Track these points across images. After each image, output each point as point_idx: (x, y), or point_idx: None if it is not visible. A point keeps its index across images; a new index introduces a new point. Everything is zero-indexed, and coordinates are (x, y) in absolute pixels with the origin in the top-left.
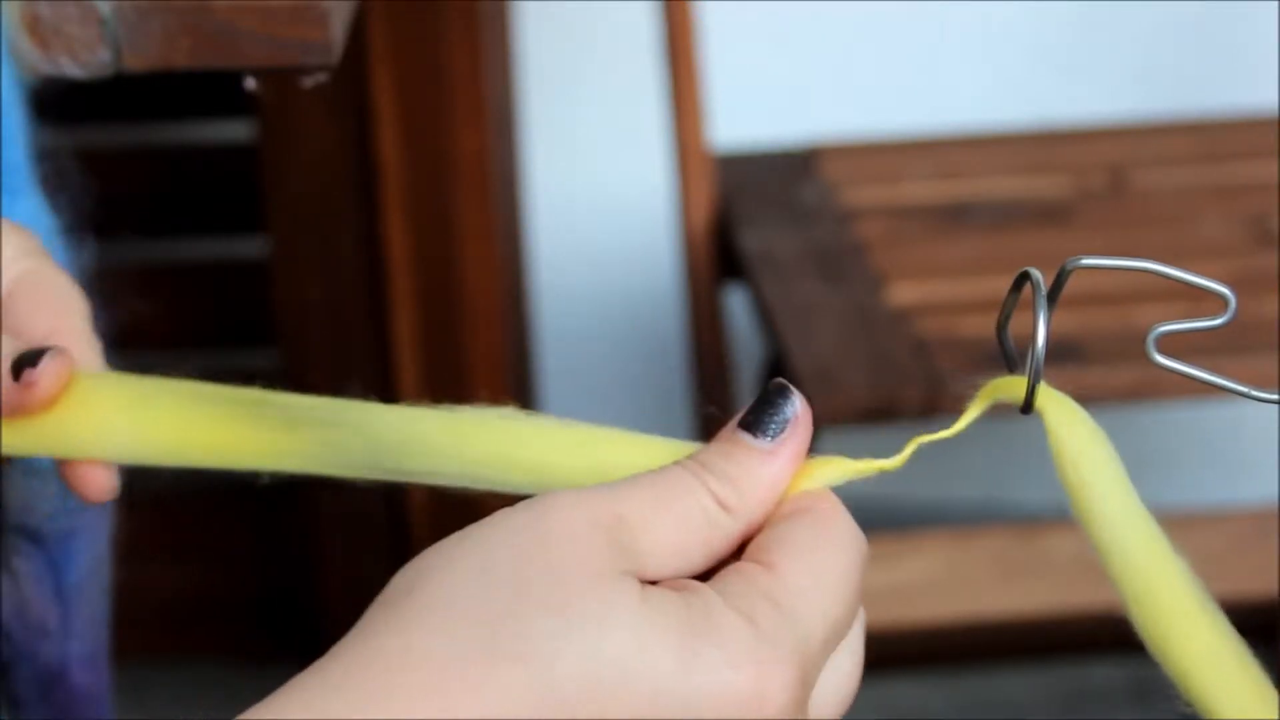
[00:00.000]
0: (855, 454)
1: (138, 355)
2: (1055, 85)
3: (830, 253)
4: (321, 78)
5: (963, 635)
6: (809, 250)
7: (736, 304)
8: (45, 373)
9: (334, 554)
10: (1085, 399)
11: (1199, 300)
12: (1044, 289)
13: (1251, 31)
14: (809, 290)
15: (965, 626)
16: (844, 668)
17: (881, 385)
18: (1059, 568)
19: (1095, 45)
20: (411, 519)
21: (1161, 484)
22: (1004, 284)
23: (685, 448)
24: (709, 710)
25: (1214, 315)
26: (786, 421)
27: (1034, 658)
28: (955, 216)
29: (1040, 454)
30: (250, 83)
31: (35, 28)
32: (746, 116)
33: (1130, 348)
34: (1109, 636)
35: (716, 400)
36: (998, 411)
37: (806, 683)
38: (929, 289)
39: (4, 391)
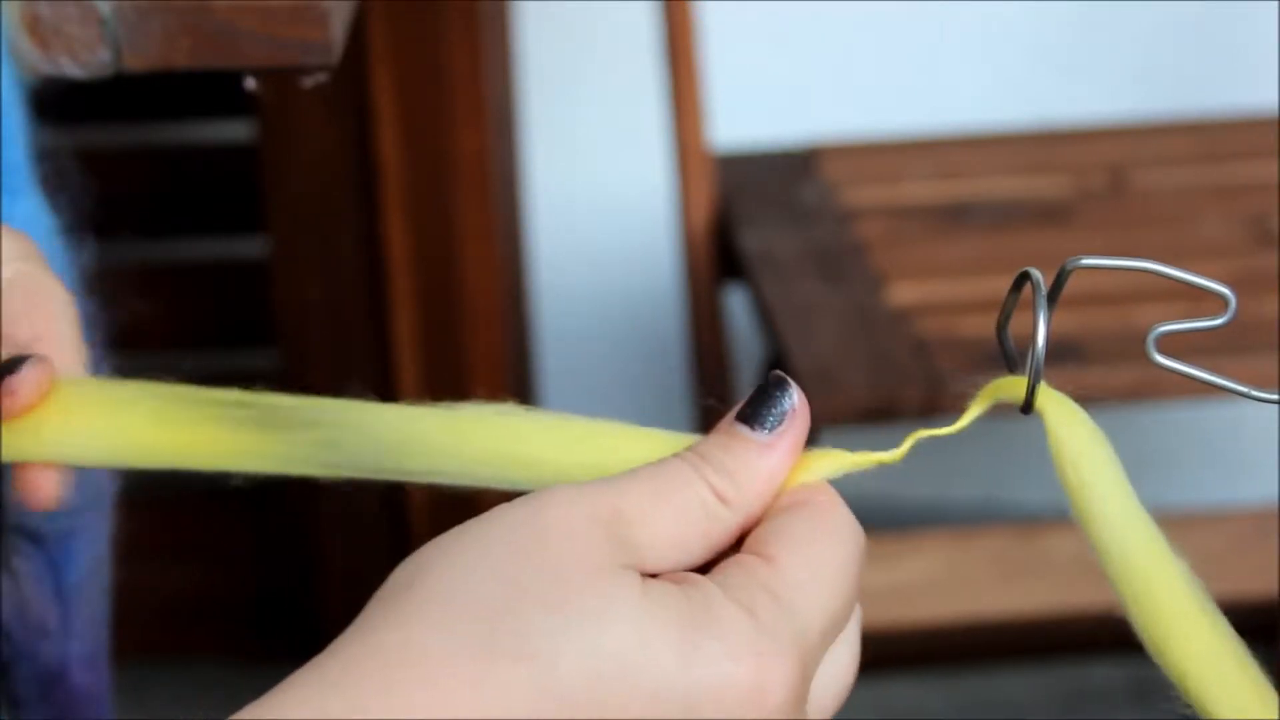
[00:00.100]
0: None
1: (138, 355)
2: (1055, 85)
3: (830, 253)
4: (321, 78)
5: (963, 635)
6: (809, 250)
7: (736, 304)
8: (25, 380)
9: (333, 554)
10: (1085, 399)
11: (1199, 300)
12: (1044, 289)
13: (1251, 31)
14: (809, 290)
15: (965, 626)
16: (842, 660)
17: (881, 385)
18: (1059, 568)
19: (1095, 45)
20: (411, 519)
21: (1161, 484)
22: (1004, 284)
23: (683, 440)
24: (710, 703)
25: (1214, 315)
26: (784, 414)
27: (1034, 658)
28: (955, 216)
29: (1040, 454)
30: (250, 83)
31: (35, 28)
32: (746, 116)
33: (1130, 348)
34: (1109, 636)
35: (717, 400)
36: (998, 411)
37: (806, 675)
38: (929, 289)
39: None
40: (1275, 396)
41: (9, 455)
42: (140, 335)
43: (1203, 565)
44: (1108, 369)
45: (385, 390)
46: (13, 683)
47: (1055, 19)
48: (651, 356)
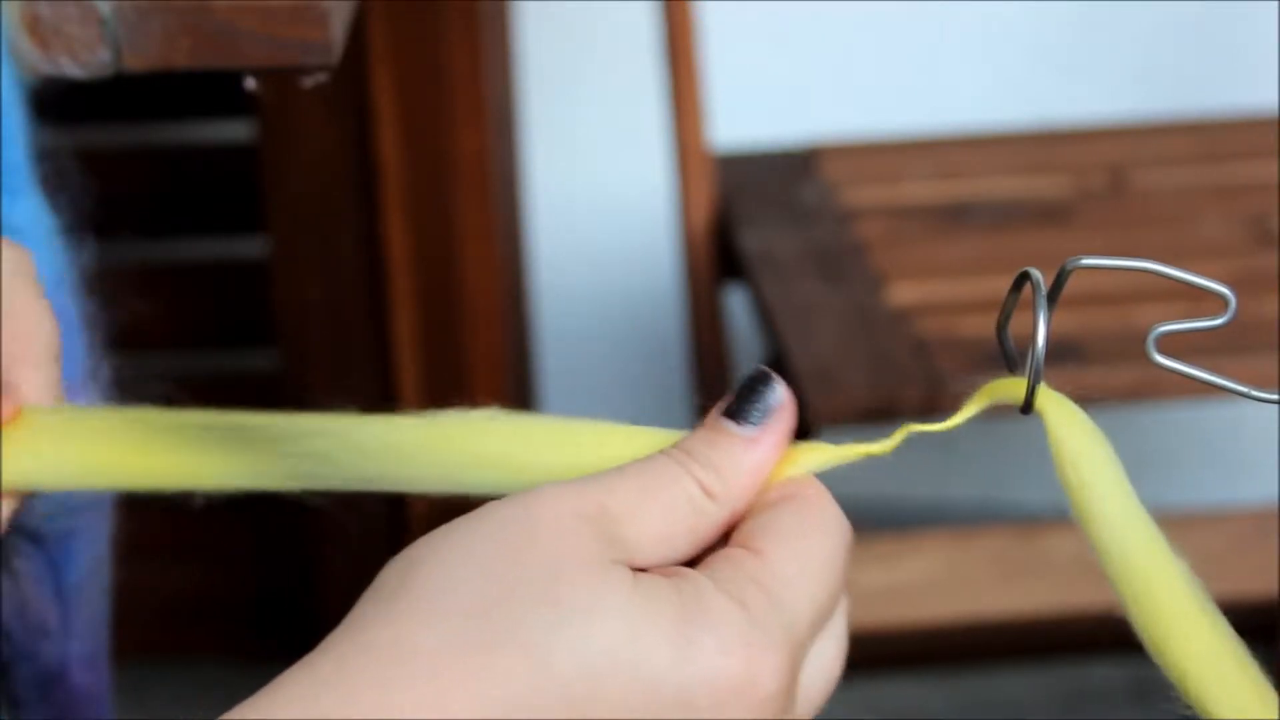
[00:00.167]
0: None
1: (138, 355)
2: (1055, 85)
3: (830, 253)
4: (321, 78)
5: (963, 635)
6: (809, 250)
7: (736, 304)
8: None
9: (334, 554)
10: (1085, 399)
11: (1199, 300)
12: (1044, 289)
13: (1251, 31)
14: (809, 290)
15: (965, 626)
16: (829, 652)
17: (881, 385)
18: (1059, 568)
19: (1095, 45)
20: (411, 518)
21: (1161, 484)
22: (1004, 284)
23: (669, 436)
24: (702, 696)
25: (1214, 315)
26: (769, 409)
27: (1034, 658)
28: (955, 216)
29: (1040, 454)
30: (250, 83)
31: (35, 28)
32: (746, 116)
33: (1130, 348)
34: (1109, 636)
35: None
36: (998, 411)
37: (795, 666)
38: (929, 289)
39: None
40: (1275, 396)
41: None
42: (140, 335)
43: (1203, 565)
44: (1108, 369)
45: (385, 391)
46: (13, 683)
47: (1055, 19)
48: (651, 356)
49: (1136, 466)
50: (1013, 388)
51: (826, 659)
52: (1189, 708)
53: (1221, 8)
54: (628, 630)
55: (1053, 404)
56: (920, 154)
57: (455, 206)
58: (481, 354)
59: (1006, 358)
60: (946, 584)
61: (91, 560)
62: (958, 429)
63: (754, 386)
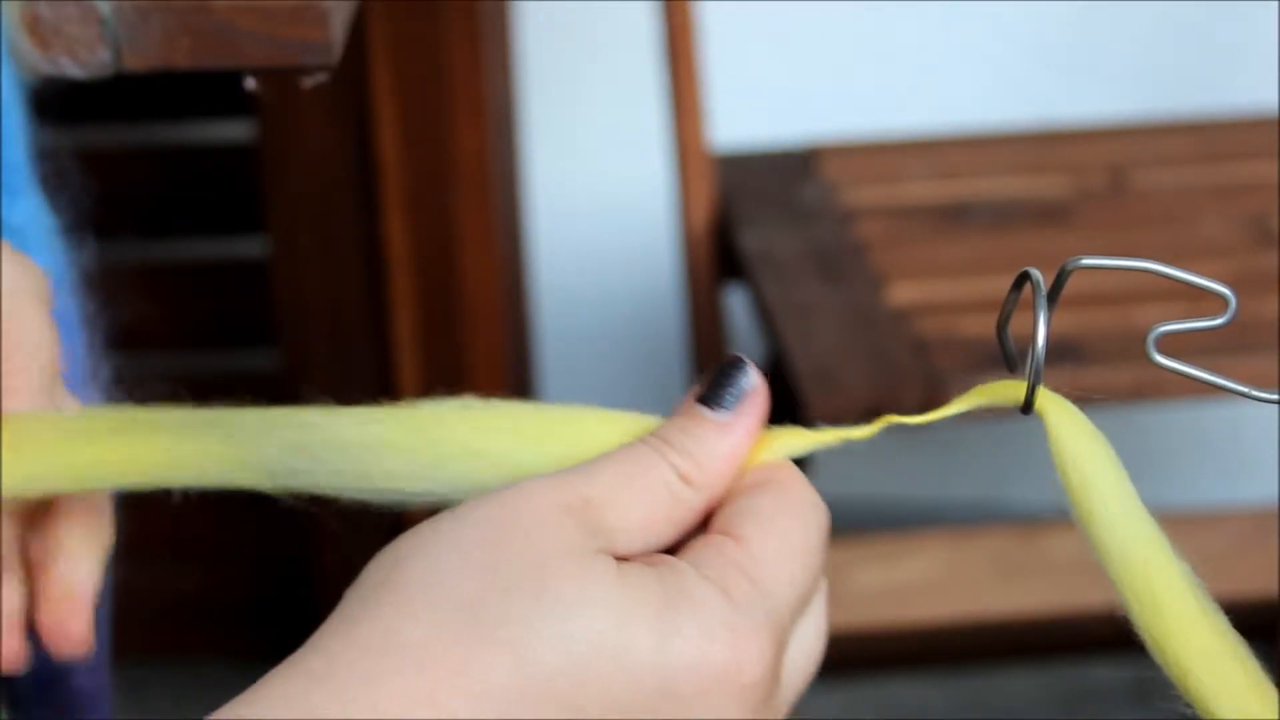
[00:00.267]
0: (855, 453)
1: (138, 355)
2: (1055, 85)
3: (830, 253)
4: (321, 78)
5: (963, 635)
6: (809, 250)
7: (736, 304)
8: None
9: (334, 554)
10: (1085, 399)
11: (1199, 300)
12: (1044, 289)
13: (1251, 31)
14: (809, 290)
15: (965, 626)
16: (810, 636)
17: (881, 385)
18: (1059, 568)
19: (1095, 45)
20: (409, 519)
21: (1161, 484)
22: (1004, 284)
23: (645, 421)
24: (687, 682)
25: (1214, 315)
26: (742, 394)
27: (1034, 658)
28: (955, 216)
29: (1040, 454)
30: (250, 83)
31: (35, 28)
32: (746, 116)
33: (1130, 348)
34: (1109, 636)
35: None
36: (997, 412)
37: (780, 651)
38: (929, 289)
39: None
40: (1275, 396)
41: None
42: (140, 335)
43: (1203, 565)
44: (1108, 369)
45: (385, 391)
46: (13, 683)
47: (1055, 19)
48: (651, 356)
49: (1136, 466)
50: (1012, 388)
51: (809, 641)
52: (1189, 707)
53: (1221, 8)
54: (613, 618)
55: (1052, 404)
56: (920, 154)
57: (455, 206)
58: (481, 354)
59: (1006, 358)
60: (946, 584)
61: None
62: (958, 429)
63: (727, 372)
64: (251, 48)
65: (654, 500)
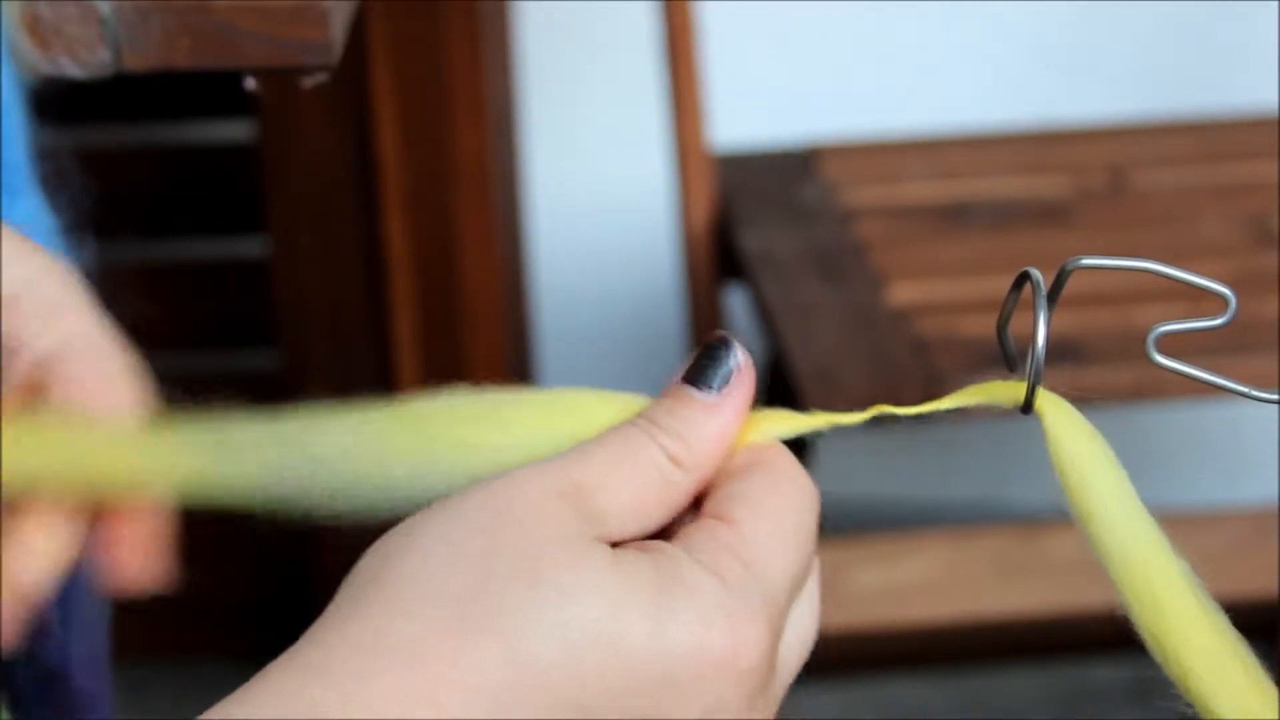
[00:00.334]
0: (855, 453)
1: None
2: (1055, 85)
3: (830, 253)
4: (321, 78)
5: (963, 635)
6: (809, 250)
7: (736, 304)
8: None
9: (334, 554)
10: (1085, 399)
11: (1199, 300)
12: (1044, 289)
13: (1251, 31)
14: (809, 290)
15: (965, 626)
16: (805, 617)
17: (881, 385)
18: (1059, 568)
19: (1095, 45)
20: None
21: (1161, 484)
22: (1004, 284)
23: (635, 401)
24: (685, 669)
25: (1214, 315)
26: (729, 373)
27: (1034, 658)
28: (955, 216)
29: (1040, 454)
30: (250, 83)
31: (35, 28)
32: (746, 116)
33: (1130, 348)
34: (1109, 636)
35: None
36: (997, 412)
37: (776, 635)
38: (929, 289)
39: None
40: (1275, 396)
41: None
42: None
43: (1203, 565)
44: (1108, 369)
45: (385, 390)
46: (13, 683)
47: (1055, 19)
48: (651, 357)
49: (1136, 466)
50: (1012, 388)
51: (803, 624)
52: (1189, 707)
53: (1221, 8)
54: (609, 606)
55: (1051, 405)
56: (920, 154)
57: (455, 206)
58: (481, 354)
59: (1006, 358)
60: (946, 584)
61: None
62: (958, 429)
63: (713, 352)
64: (251, 48)
65: (645, 483)
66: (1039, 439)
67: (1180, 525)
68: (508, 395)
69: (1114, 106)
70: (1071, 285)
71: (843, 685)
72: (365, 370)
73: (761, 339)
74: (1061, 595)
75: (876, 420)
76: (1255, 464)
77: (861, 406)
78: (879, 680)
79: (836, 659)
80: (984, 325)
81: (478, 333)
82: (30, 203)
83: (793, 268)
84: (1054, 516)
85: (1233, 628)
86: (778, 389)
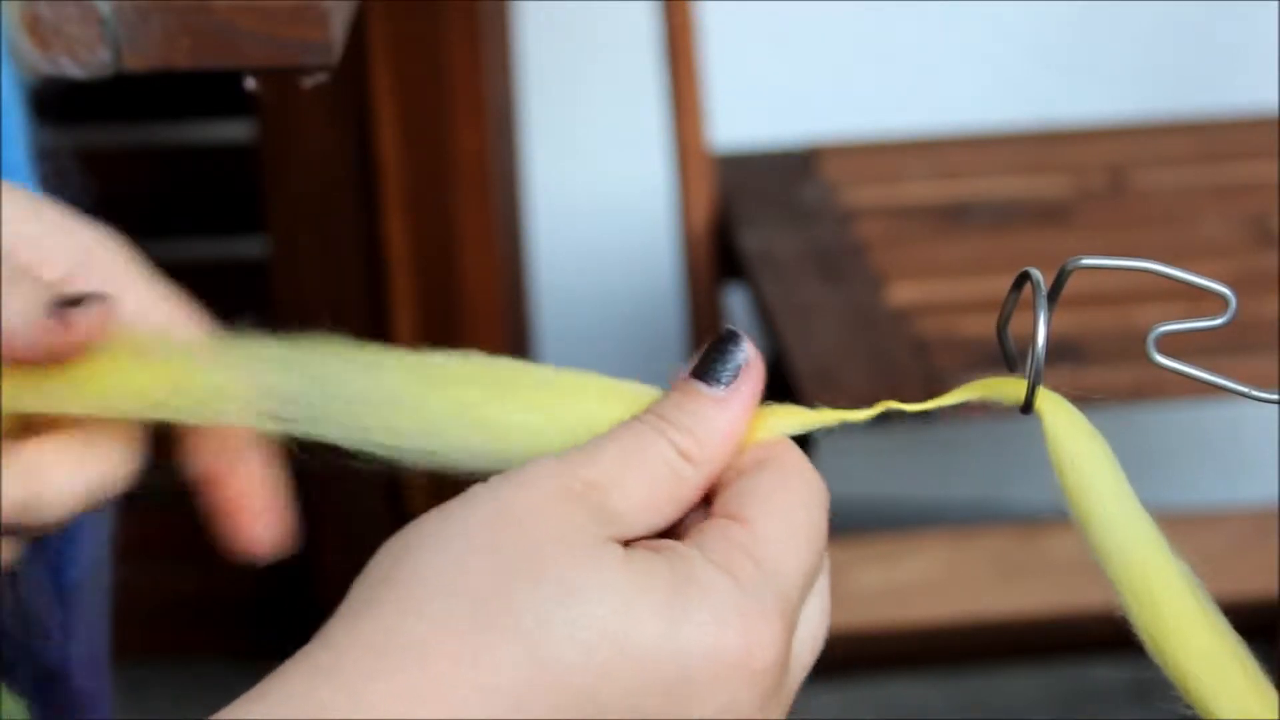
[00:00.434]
0: (855, 453)
1: None
2: (1055, 85)
3: (830, 253)
4: (321, 78)
5: (963, 635)
6: (809, 250)
7: (736, 304)
8: (87, 316)
9: (333, 554)
10: (1085, 399)
11: (1199, 300)
12: (1044, 289)
13: (1251, 31)
14: (809, 290)
15: (965, 626)
16: (816, 615)
17: (882, 385)
18: (1058, 568)
19: (1095, 45)
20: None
21: (1161, 484)
22: (1004, 284)
23: (646, 392)
24: (700, 669)
25: (1214, 315)
26: (738, 368)
27: (1034, 658)
28: (955, 216)
29: (1040, 454)
30: (250, 83)
31: (35, 28)
32: (746, 116)
33: (1130, 348)
34: (1109, 636)
35: None
36: (998, 411)
37: (790, 634)
38: (929, 289)
39: (34, 334)
40: (1275, 396)
41: (30, 405)
42: None
43: (1203, 565)
44: (1108, 369)
45: None
46: (13, 683)
47: (1055, 19)
48: (651, 357)
49: (1136, 466)
50: (1012, 388)
51: (815, 622)
52: (1189, 707)
53: (1221, 8)
54: (623, 606)
55: (1051, 405)
56: (920, 154)
57: (455, 206)
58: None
59: (1006, 358)
60: (946, 584)
61: (91, 560)
62: (958, 429)
63: (721, 346)
64: (251, 48)
65: (656, 479)
66: (1039, 439)
67: (1180, 525)
68: (524, 371)
69: (1114, 106)
70: (1071, 285)
71: (843, 685)
72: None
73: (761, 339)
74: (1061, 595)
75: (881, 418)
76: (1255, 464)
77: (862, 406)
78: (879, 680)
79: (836, 659)
80: (984, 325)
81: (478, 333)
82: None
83: (793, 268)
84: (1054, 516)
85: (1232, 628)
86: (778, 389)
